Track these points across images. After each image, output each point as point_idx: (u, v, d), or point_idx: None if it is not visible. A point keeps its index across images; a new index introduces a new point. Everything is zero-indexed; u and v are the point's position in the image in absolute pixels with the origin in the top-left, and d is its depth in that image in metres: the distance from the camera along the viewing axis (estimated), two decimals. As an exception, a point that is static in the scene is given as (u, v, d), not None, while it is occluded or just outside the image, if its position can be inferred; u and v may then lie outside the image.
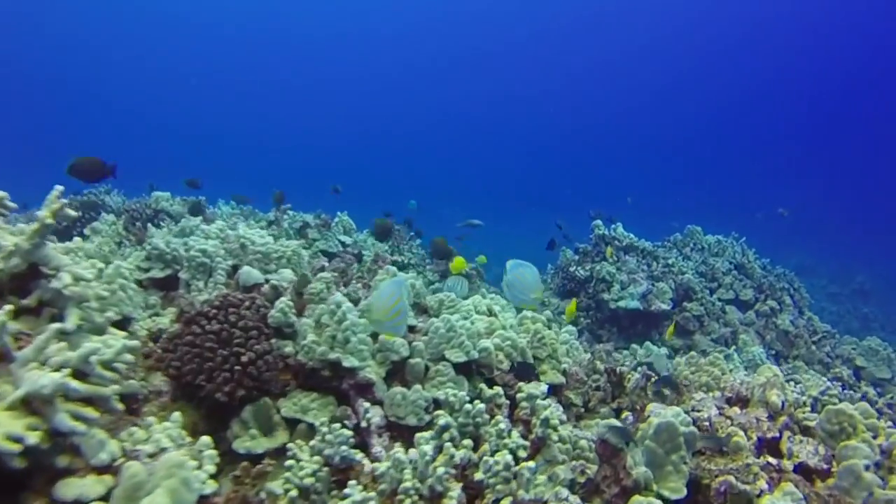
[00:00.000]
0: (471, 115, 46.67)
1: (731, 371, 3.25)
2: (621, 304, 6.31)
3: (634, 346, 5.99)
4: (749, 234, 8.23)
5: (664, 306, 6.40)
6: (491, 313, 3.42)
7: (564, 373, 3.11)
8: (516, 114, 46.51)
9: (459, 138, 46.01)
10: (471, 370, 2.76)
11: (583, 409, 3.03)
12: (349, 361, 2.56)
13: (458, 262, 5.32)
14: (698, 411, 2.61)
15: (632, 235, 7.19)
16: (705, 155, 44.14)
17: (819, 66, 37.11)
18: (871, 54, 34.00)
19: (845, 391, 5.38)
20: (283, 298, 2.73)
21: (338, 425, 2.26)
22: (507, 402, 2.60)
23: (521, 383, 2.69)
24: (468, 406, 2.37)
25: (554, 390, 3.02)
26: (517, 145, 45.22)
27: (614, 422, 2.44)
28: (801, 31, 35.30)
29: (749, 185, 36.32)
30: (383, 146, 43.23)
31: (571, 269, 6.71)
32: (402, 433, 2.54)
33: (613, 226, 7.24)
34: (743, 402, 2.77)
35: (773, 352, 6.72)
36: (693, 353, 3.41)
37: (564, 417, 2.61)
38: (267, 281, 3.06)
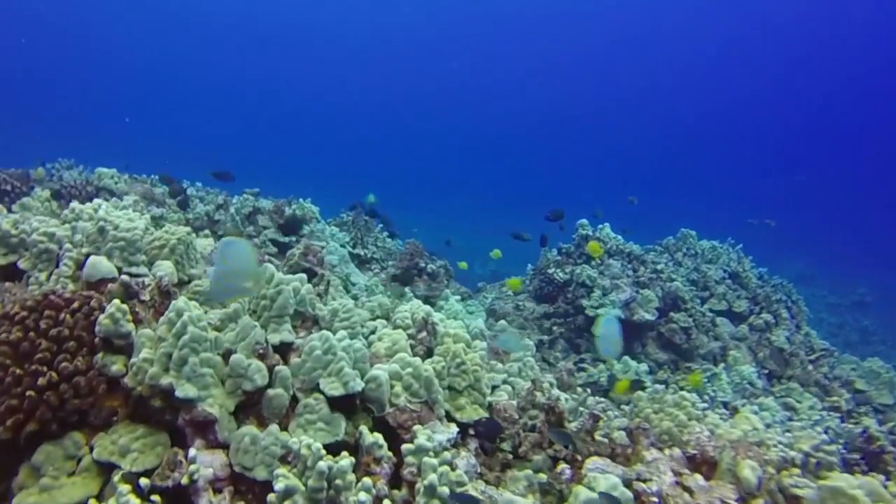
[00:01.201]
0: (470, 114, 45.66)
1: (701, 415, 2.49)
2: (601, 311, 5.55)
3: (612, 360, 5.24)
4: (746, 241, 7.43)
5: (648, 316, 5.63)
6: (405, 326, 2.69)
7: (490, 408, 2.37)
8: (514, 115, 45.43)
9: (461, 137, 45.01)
10: (354, 406, 2.03)
11: (510, 456, 2.30)
12: (184, 390, 1.84)
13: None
14: (646, 480, 1.86)
15: (619, 237, 6.42)
16: (705, 158, 42.87)
17: (824, 72, 35.74)
18: (877, 59, 32.63)
19: (843, 425, 4.60)
20: (115, 302, 2.01)
21: (127, 487, 1.55)
22: (389, 455, 1.88)
23: (417, 427, 1.96)
24: (324, 464, 1.65)
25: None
26: (515, 144, 44.33)
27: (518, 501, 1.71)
28: (810, 32, 33.90)
29: (750, 190, 35.20)
30: (389, 142, 42.47)
31: (550, 271, 5.95)
32: (251, 489, 1.82)
33: (600, 226, 6.47)
34: (710, 465, 2.02)
35: (766, 371, 5.93)
36: (657, 387, 2.66)
37: (466, 478, 1.88)
38: (130, 276, 2.35)
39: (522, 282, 5.95)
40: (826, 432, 4.33)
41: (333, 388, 1.93)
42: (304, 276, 2.30)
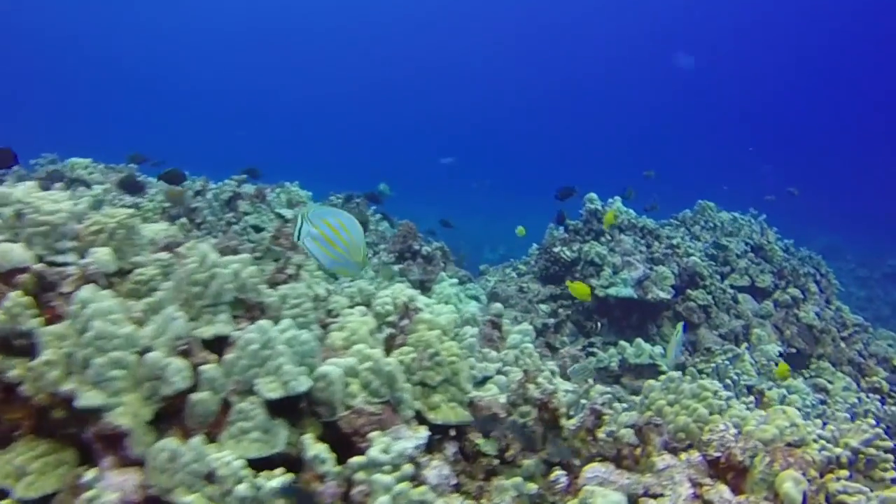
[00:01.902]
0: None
1: (725, 406, 2.13)
2: (611, 291, 5.18)
3: (623, 343, 4.88)
4: (770, 214, 6.99)
5: (663, 294, 5.25)
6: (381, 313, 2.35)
7: (471, 405, 2.03)
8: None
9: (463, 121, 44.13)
10: (300, 410, 1.70)
11: (497, 462, 1.96)
12: (87, 398, 1.52)
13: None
14: (656, 495, 1.51)
15: (631, 211, 6.02)
16: (725, 127, 41.70)
17: (847, 36, 34.53)
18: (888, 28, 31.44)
19: (884, 407, 4.22)
20: (12, 295, 1.69)
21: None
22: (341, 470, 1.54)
23: (374, 434, 1.63)
24: (244, 488, 1.32)
25: (457, 433, 1.96)
26: (528, 126, 43.50)
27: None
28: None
29: (775, 160, 34.30)
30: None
31: (556, 249, 5.59)
32: (171, 514, 1.50)
33: (610, 200, 6.07)
34: (737, 471, 1.66)
35: (794, 350, 5.54)
36: (672, 375, 2.29)
37: (433, 495, 1.55)
38: (50, 265, 2.04)
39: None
40: (866, 416, 3.95)
41: (271, 390, 1.60)
42: (247, 256, 1.97)
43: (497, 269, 6.31)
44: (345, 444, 1.69)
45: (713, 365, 4.05)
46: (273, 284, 2.54)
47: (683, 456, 1.70)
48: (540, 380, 2.40)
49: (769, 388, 4.32)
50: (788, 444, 1.74)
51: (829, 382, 5.28)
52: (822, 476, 1.75)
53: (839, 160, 33.72)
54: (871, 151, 35.11)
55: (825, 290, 6.71)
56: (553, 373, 3.17)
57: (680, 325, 3.93)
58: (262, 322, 1.68)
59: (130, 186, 4.48)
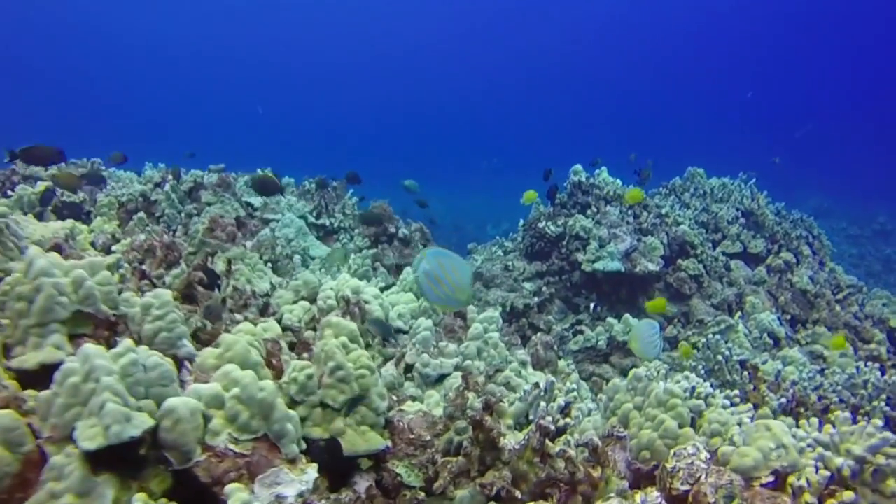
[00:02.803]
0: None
1: (704, 406, 1.61)
2: (598, 266, 4.64)
3: (611, 320, 4.36)
4: (759, 179, 6.35)
5: (652, 266, 4.70)
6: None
7: (389, 426, 1.54)
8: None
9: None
10: (141, 459, 1.22)
11: (422, 494, 1.47)
12: None
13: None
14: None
15: (618, 181, 5.44)
16: (704, 92, 40.09)
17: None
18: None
19: (883, 378, 3.67)
20: None
21: None
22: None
23: (232, 488, 1.15)
24: None
25: (373, 462, 1.48)
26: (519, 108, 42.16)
27: None
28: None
29: (757, 124, 33.01)
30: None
31: (541, 225, 5.04)
32: None
33: (597, 170, 5.50)
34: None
35: (789, 316, 4.97)
36: (638, 372, 1.77)
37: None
38: None
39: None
40: (865, 386, 3.41)
41: (88, 438, 1.11)
42: (97, 260, 1.47)
43: (485, 248, 5.79)
44: (206, 498, 1.21)
45: (704, 339, 3.51)
46: (190, 286, 2.05)
47: (639, 497, 1.19)
48: (484, 383, 1.91)
49: (763, 363, 3.79)
50: (774, 472, 1.24)
51: (826, 348, 4.73)
52: (819, 500, 1.24)
53: (824, 123, 32.36)
54: (855, 111, 33.67)
55: (818, 253, 6.10)
56: (523, 364, 2.67)
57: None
58: (86, 347, 1.19)
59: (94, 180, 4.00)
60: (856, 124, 32.14)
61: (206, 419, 1.25)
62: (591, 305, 4.69)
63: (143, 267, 2.05)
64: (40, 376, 1.28)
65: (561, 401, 2.00)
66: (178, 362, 1.42)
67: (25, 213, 3.35)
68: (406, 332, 2.61)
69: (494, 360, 2.57)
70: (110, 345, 1.35)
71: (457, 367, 2.42)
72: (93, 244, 2.95)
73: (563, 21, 40.36)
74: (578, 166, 5.55)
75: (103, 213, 3.62)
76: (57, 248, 1.95)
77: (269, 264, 3.40)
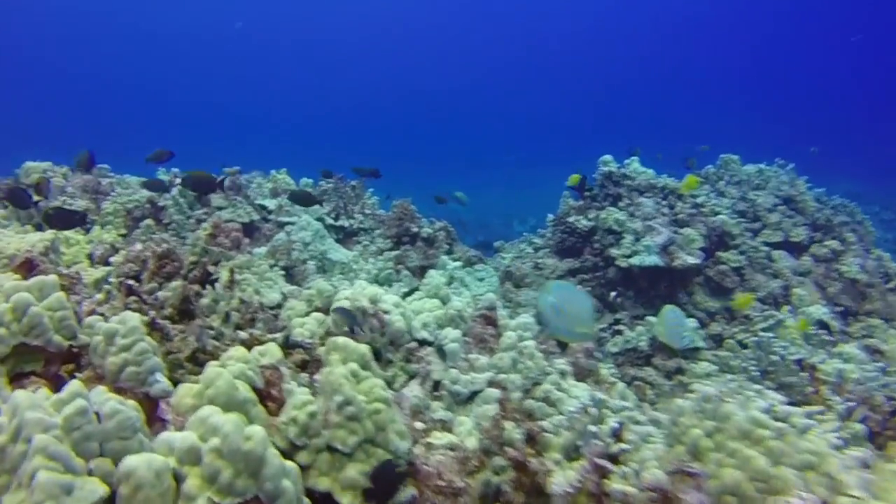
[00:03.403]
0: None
1: (796, 436, 1.27)
2: (634, 260, 4.27)
3: (651, 318, 3.99)
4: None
5: (692, 259, 4.32)
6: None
7: (412, 469, 1.23)
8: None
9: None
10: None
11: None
12: None
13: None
14: None
15: (650, 171, 5.06)
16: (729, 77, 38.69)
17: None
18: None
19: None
20: None
21: None
22: None
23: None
24: None
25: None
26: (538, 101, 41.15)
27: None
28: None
29: (789, 110, 31.85)
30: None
31: (571, 219, 4.69)
32: None
33: (627, 161, 5.13)
34: None
35: (840, 308, 4.54)
36: (707, 392, 1.43)
37: None
38: None
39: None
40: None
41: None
42: (47, 279, 1.19)
43: (513, 245, 5.44)
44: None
45: (755, 338, 3.14)
46: (186, 300, 1.76)
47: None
48: (521, 400, 1.59)
49: (821, 362, 3.39)
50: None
51: (884, 342, 4.30)
52: None
53: (849, 105, 31.11)
54: (880, 93, 32.30)
55: (863, 239, 5.63)
56: (563, 374, 2.34)
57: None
58: (16, 395, 0.90)
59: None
60: (881, 106, 30.90)
61: (179, 479, 0.95)
62: (612, 295, 4.34)
63: (130, 282, 1.77)
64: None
65: (612, 422, 1.67)
66: (153, 402, 1.12)
67: (24, 225, 3.12)
68: (431, 344, 2.30)
69: (531, 371, 2.24)
70: (62, 388, 1.06)
71: (490, 382, 2.10)
72: (90, 256, 2.70)
73: (580, 12, 39.63)
74: (608, 157, 5.18)
75: (108, 221, 3.38)
76: (28, 265, 1.67)
77: (285, 271, 3.13)
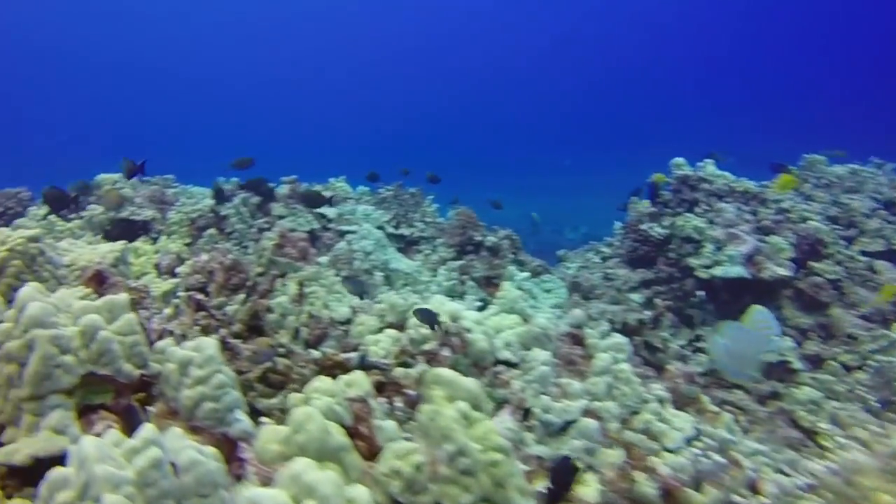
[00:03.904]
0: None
1: None
2: (717, 272, 3.97)
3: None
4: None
5: (782, 270, 3.97)
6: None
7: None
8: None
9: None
10: None
11: None
12: None
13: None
14: None
15: (728, 175, 4.73)
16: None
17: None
18: None
19: None
20: None
21: None
22: None
23: None
24: None
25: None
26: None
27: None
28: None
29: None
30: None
31: (644, 226, 4.41)
32: None
33: (700, 164, 4.82)
34: None
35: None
36: (795, 484, 1.17)
37: None
38: None
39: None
40: None
41: None
42: (118, 299, 1.06)
43: (577, 254, 5.19)
44: None
45: (872, 364, 2.81)
46: (256, 316, 1.63)
47: None
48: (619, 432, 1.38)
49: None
50: None
51: None
52: None
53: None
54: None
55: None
56: (662, 402, 2.11)
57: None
58: (84, 444, 0.75)
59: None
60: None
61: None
62: (698, 294, 4.03)
63: (199, 296, 1.65)
64: (36, 473, 0.87)
65: (748, 470, 1.43)
66: (232, 444, 0.97)
67: (96, 236, 3.11)
68: (516, 366, 2.10)
69: (628, 398, 2.02)
70: (134, 423, 0.92)
71: (585, 411, 1.89)
72: (157, 266, 2.63)
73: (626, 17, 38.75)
74: (680, 159, 4.89)
75: (173, 230, 3.33)
76: (98, 277, 1.57)
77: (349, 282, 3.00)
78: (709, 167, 4.78)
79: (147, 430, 0.80)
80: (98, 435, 0.90)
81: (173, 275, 2.64)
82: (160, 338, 1.47)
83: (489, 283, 3.79)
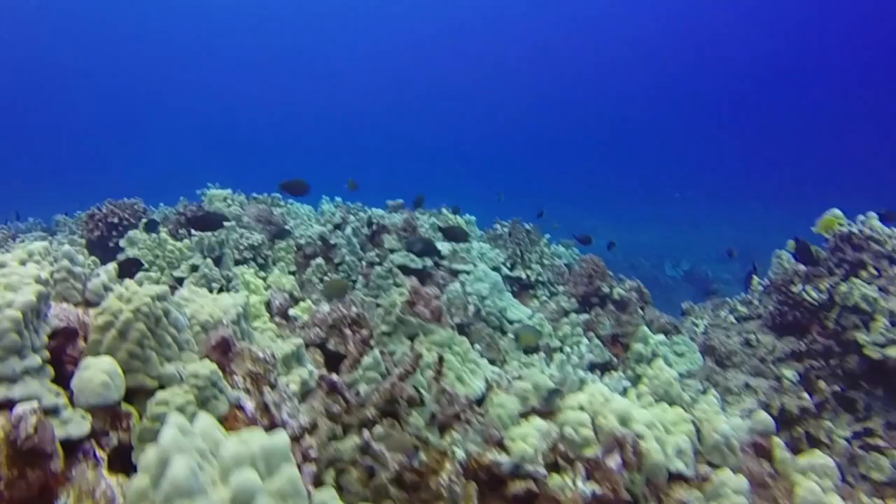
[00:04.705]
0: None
1: None
2: (891, 352, 3.38)
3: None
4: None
5: (977, 358, 3.32)
6: None
7: None
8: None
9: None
10: None
11: None
12: None
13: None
14: None
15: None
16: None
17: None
18: None
19: None
20: None
21: None
22: None
23: None
24: None
25: None
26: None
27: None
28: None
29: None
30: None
31: (795, 289, 3.86)
32: None
33: (862, 217, 4.20)
34: None
35: None
36: None
37: None
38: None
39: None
40: None
41: None
42: (275, 445, 0.80)
43: (704, 309, 4.67)
44: None
45: None
46: (393, 401, 1.38)
47: None
48: None
49: None
50: None
51: None
52: None
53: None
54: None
55: None
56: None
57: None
58: None
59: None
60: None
61: None
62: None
63: (334, 378, 1.41)
64: None
65: None
66: None
67: (205, 258, 3.01)
68: (688, 481, 1.72)
69: None
70: None
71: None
72: (268, 306, 2.45)
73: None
74: (837, 211, 4.30)
75: (280, 257, 3.19)
76: (223, 345, 1.36)
77: (459, 329, 2.71)
78: (873, 221, 4.16)
79: None
80: None
81: (285, 317, 2.46)
82: (293, 436, 1.23)
83: (615, 342, 3.41)
